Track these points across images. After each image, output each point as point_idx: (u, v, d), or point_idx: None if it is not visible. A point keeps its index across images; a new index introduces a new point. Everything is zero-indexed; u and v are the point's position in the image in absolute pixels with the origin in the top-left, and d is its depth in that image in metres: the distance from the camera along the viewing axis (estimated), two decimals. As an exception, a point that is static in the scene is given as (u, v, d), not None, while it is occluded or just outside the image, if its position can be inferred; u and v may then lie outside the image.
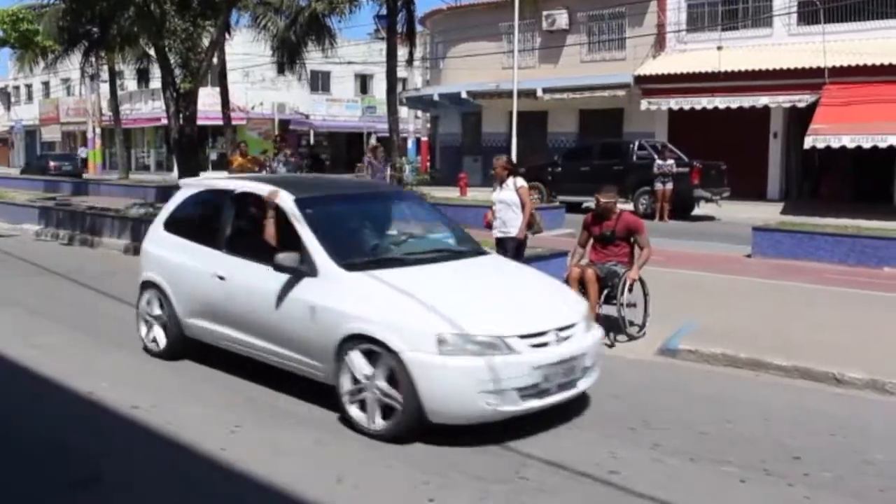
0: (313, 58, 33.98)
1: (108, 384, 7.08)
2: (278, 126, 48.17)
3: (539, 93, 30.59)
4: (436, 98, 35.44)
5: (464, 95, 33.21)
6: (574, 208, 20.77)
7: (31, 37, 22.77)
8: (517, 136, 26.83)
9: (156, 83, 33.93)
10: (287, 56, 31.09)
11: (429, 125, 43.81)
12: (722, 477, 5.27)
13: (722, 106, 26.22)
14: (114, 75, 44.54)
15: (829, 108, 23.74)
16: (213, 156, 44.73)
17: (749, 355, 7.89)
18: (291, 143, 40.12)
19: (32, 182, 35.28)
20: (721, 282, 12.46)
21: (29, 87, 66.09)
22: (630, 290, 8.81)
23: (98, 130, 52.55)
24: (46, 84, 61.31)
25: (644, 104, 28.10)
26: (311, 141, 49.99)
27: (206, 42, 18.90)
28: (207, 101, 34.66)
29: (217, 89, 33.72)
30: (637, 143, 24.42)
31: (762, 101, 25.86)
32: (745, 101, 25.95)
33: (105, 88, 47.34)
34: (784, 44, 26.52)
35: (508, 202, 9.79)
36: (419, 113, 45.77)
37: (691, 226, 21.72)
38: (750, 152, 27.17)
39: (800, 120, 25.95)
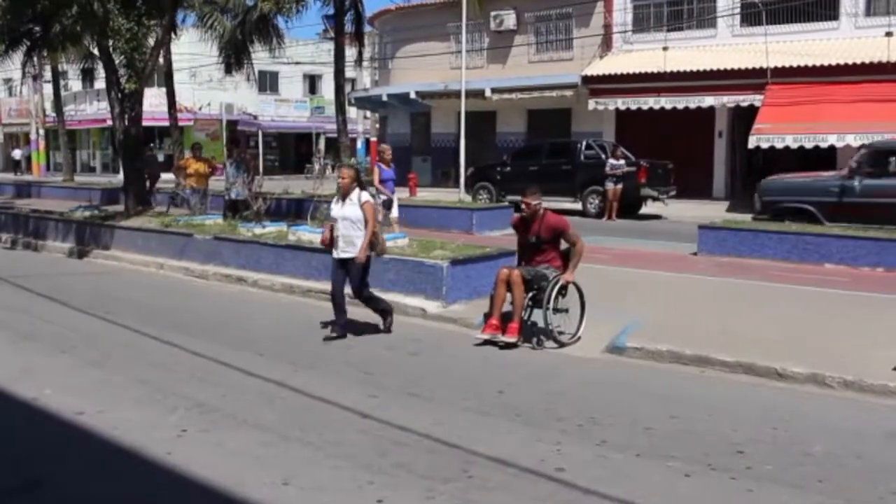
0: (261, 58, 33.65)
1: (53, 390, 6.96)
2: (226, 127, 47.68)
3: (487, 93, 30.73)
4: (384, 98, 35.40)
5: (412, 96, 33.25)
6: (522, 208, 20.85)
7: (-30, 36, 22.27)
8: (466, 136, 26.92)
9: (101, 83, 33.39)
10: (234, 56, 30.68)
11: (378, 125, 43.69)
12: (667, 472, 5.33)
13: (668, 106, 26.56)
14: (57, 75, 43.77)
15: (772, 107, 24.16)
16: (161, 157, 44.10)
17: (694, 352, 8.01)
18: (242, 145, 39.72)
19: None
20: (667, 279, 12.62)
21: (-31, 87, 64.72)
22: (563, 294, 8.66)
23: (41, 132, 51.51)
24: (-13, 84, 60.16)
25: (591, 104, 28.35)
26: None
27: (151, 42, 18.66)
28: (154, 102, 34.30)
29: (163, 90, 33.26)
30: (585, 143, 24.70)
31: (707, 101, 26.25)
32: (691, 101, 26.33)
33: (48, 89, 46.50)
34: (728, 44, 26.96)
35: (353, 219, 8.89)
36: (368, 113, 45.62)
37: (638, 224, 21.97)
38: (696, 151, 27.58)
39: (744, 119, 26.38)
